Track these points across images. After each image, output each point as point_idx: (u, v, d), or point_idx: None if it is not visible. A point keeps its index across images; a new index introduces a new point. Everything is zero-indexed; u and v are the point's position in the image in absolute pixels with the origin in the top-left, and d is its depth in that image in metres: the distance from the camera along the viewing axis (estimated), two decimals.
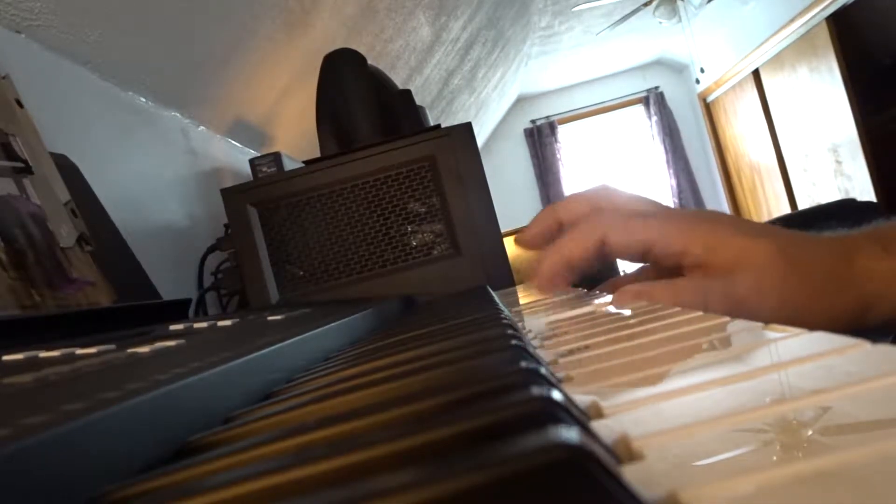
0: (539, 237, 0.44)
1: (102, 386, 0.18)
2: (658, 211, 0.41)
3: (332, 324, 0.36)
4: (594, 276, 0.46)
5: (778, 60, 3.99)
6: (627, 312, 0.32)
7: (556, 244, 0.41)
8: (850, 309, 0.35)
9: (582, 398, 0.15)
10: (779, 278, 0.35)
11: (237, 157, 1.28)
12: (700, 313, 0.25)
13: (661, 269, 0.40)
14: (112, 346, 0.31)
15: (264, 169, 1.02)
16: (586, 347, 0.23)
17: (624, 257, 0.40)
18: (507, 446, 0.09)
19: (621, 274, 0.51)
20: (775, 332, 0.19)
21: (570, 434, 0.09)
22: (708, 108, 5.09)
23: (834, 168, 3.71)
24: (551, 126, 5.30)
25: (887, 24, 3.35)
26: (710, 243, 0.37)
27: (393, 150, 0.86)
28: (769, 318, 0.35)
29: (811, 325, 0.35)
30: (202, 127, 1.15)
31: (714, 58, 4.55)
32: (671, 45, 4.80)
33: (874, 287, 0.35)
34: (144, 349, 0.29)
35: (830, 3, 3.38)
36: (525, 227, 0.46)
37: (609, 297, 0.40)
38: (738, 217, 0.40)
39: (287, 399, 0.22)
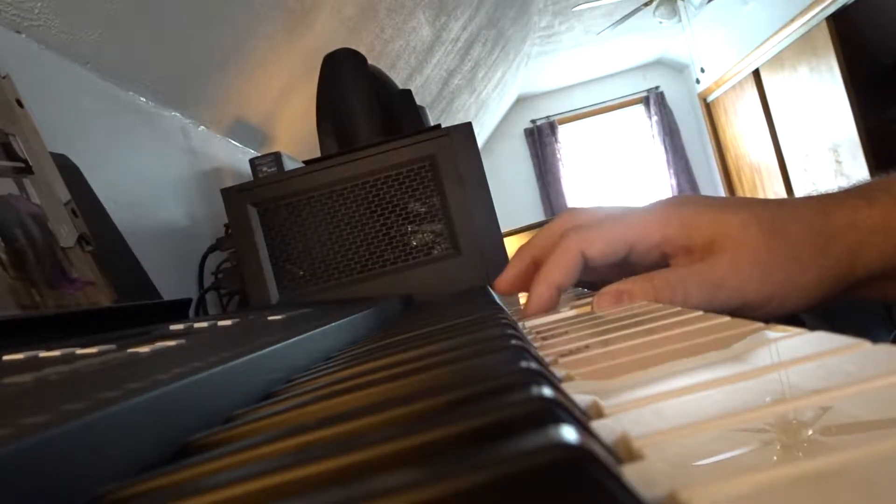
0: (516, 279, 0.43)
1: (102, 386, 0.18)
2: (627, 211, 0.40)
3: (332, 324, 0.36)
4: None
5: (778, 60, 3.99)
6: (625, 313, 0.32)
7: (539, 275, 0.40)
8: (838, 262, 0.35)
9: (582, 398, 0.15)
10: (756, 248, 0.35)
11: (237, 157, 1.28)
12: (700, 313, 0.25)
13: (648, 270, 0.39)
14: (112, 346, 0.31)
15: (264, 169, 1.02)
16: (586, 347, 0.23)
17: (609, 265, 0.39)
18: (507, 446, 0.09)
19: None
20: (775, 332, 0.19)
21: (570, 434, 0.09)
22: (708, 108, 5.09)
23: (834, 168, 3.71)
24: (551, 126, 5.30)
25: (887, 24, 3.35)
26: (686, 222, 0.37)
27: (393, 150, 0.86)
28: (755, 292, 0.35)
29: (802, 285, 0.35)
30: (202, 127, 1.15)
31: (714, 58, 4.55)
32: (671, 45, 4.80)
33: (859, 236, 0.35)
34: (144, 349, 0.29)
35: (830, 3, 3.38)
36: (523, 234, 0.44)
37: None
38: (708, 195, 0.39)
39: (287, 399, 0.22)
